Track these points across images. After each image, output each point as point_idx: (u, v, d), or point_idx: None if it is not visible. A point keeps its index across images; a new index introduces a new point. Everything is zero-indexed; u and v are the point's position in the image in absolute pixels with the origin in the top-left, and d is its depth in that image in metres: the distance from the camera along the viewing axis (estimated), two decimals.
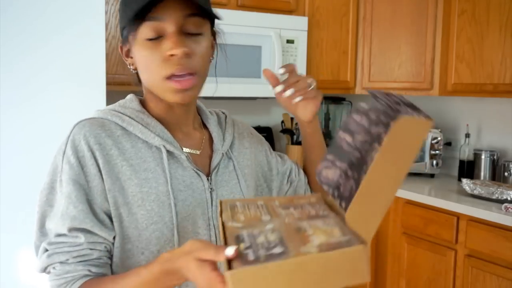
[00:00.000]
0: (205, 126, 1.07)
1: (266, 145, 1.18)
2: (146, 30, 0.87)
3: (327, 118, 3.36)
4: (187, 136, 1.01)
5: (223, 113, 1.14)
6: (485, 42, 2.72)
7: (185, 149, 0.98)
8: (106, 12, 2.28)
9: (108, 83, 2.04)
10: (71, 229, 0.88)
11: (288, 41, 2.76)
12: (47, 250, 0.90)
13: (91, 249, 0.89)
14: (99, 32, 1.93)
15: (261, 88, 2.70)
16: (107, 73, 2.00)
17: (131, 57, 0.95)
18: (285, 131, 3.14)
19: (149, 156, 0.93)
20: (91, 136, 0.90)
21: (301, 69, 2.82)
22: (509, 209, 2.35)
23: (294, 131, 3.13)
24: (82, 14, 1.89)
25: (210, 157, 1.02)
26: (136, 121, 0.94)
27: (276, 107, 3.26)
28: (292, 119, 3.18)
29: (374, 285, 2.95)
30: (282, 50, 2.73)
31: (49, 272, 0.91)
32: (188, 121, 1.01)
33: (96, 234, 0.89)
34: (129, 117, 0.94)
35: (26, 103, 1.82)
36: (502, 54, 2.63)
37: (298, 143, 3.12)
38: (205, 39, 0.91)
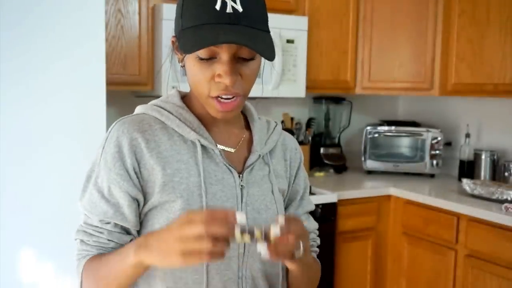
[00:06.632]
0: (248, 127, 1.08)
1: (304, 181, 1.15)
2: (200, 50, 0.88)
3: (327, 118, 3.35)
4: (225, 133, 1.03)
5: (276, 123, 1.16)
6: (485, 42, 2.71)
7: (220, 146, 1.01)
8: (106, 12, 2.27)
9: (108, 83, 2.04)
10: (101, 221, 0.96)
11: (288, 41, 2.76)
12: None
13: (109, 240, 0.97)
14: (99, 32, 1.93)
15: (261, 88, 2.69)
16: (107, 73, 2.00)
17: (182, 54, 0.96)
18: (285, 131, 3.13)
19: (184, 149, 0.97)
20: (129, 132, 0.95)
21: (301, 69, 2.82)
22: (509, 209, 2.35)
23: (294, 131, 3.13)
24: (82, 14, 1.89)
25: (246, 158, 1.03)
26: (174, 116, 0.99)
27: (276, 107, 3.25)
28: (292, 119, 3.18)
29: (374, 285, 2.94)
30: (282, 50, 2.72)
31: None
32: (228, 120, 1.02)
33: (119, 229, 0.97)
34: (168, 111, 0.99)
35: (25, 103, 1.82)
36: (502, 54, 2.63)
37: (299, 142, 3.12)
38: (256, 61, 0.94)
